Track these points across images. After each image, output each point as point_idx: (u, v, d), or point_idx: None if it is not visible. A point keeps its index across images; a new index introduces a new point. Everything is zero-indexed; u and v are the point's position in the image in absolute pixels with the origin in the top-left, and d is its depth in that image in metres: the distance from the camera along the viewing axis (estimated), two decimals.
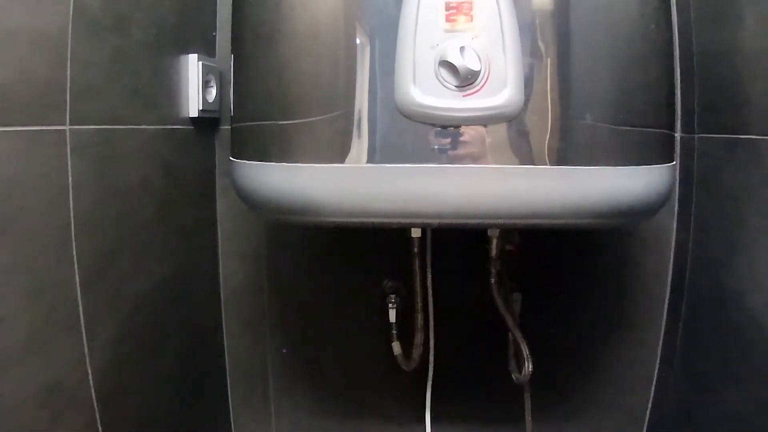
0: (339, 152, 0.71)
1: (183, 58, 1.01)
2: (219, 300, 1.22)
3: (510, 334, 1.08)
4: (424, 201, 0.71)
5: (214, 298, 1.20)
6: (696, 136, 1.04)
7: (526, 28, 0.68)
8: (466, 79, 0.66)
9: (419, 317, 1.12)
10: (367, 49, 0.70)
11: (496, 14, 0.67)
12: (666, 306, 1.13)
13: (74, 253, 0.75)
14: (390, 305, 1.12)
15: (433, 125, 0.69)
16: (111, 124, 0.82)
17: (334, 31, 0.72)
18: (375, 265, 1.17)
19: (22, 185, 0.66)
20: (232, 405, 1.26)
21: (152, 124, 0.92)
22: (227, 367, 1.25)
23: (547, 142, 0.70)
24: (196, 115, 1.03)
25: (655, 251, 1.12)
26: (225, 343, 1.24)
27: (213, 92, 1.08)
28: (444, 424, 1.21)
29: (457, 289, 1.15)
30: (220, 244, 1.20)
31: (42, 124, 0.68)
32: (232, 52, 0.83)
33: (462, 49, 0.66)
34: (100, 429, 0.80)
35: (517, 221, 0.75)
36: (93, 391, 0.78)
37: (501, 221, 0.78)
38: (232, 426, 1.26)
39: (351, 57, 0.70)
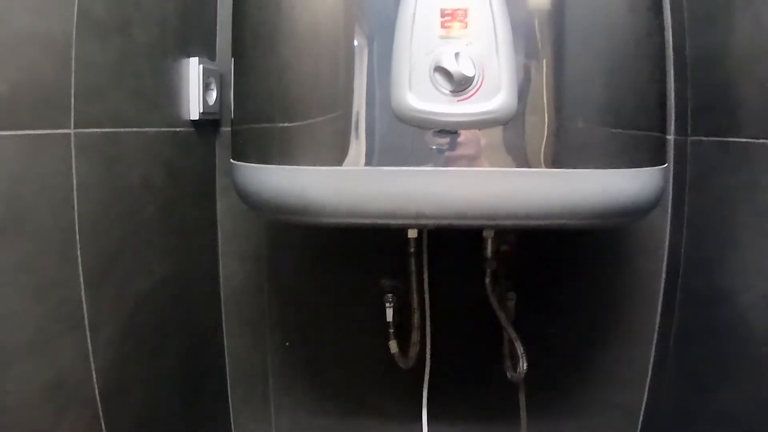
0: (338, 155, 0.72)
1: (184, 61, 1.02)
2: (219, 299, 1.22)
3: (505, 333, 1.09)
4: (421, 203, 0.72)
5: (214, 298, 1.21)
6: (689, 138, 1.05)
7: (520, 35, 0.69)
8: (460, 85, 0.68)
9: (416, 316, 1.13)
10: (365, 55, 0.71)
11: (490, 21, 0.68)
12: (660, 305, 1.14)
13: (78, 253, 0.75)
14: (387, 305, 1.13)
15: (429, 129, 0.70)
16: (114, 127, 0.82)
17: (333, 36, 0.73)
18: (373, 265, 1.18)
19: (28, 186, 0.67)
20: (231, 403, 1.26)
21: (154, 127, 0.93)
22: (227, 366, 1.25)
23: (540, 145, 0.71)
24: (197, 118, 1.04)
25: (649, 251, 1.13)
26: (225, 343, 1.24)
27: (213, 95, 1.08)
28: (441, 422, 1.21)
29: (454, 288, 1.16)
30: (220, 243, 1.21)
31: (47, 128, 0.69)
32: (233, 55, 0.84)
33: (457, 55, 0.67)
34: (103, 426, 0.80)
35: (512, 222, 0.76)
36: (96, 388, 0.79)
37: (496, 222, 0.78)
38: (232, 424, 1.27)
39: (349, 62, 0.71)
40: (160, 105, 0.95)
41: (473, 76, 0.67)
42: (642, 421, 1.19)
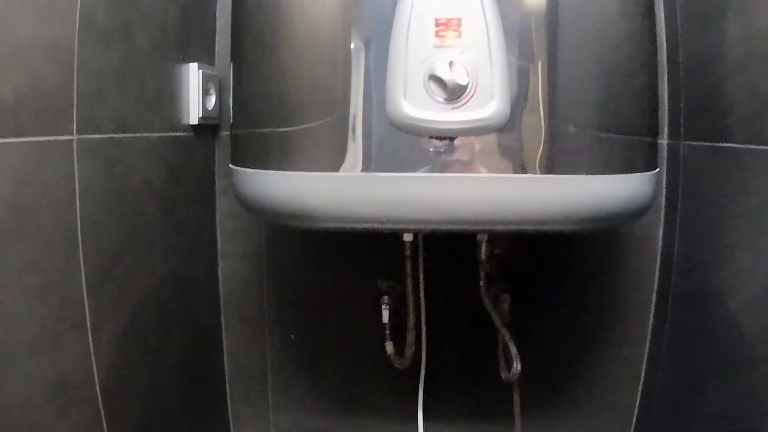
0: (334, 161, 0.73)
1: (184, 66, 1.02)
2: (218, 299, 1.23)
3: (499, 334, 1.10)
4: (416, 208, 0.73)
5: (214, 298, 1.22)
6: (682, 143, 1.05)
7: (513, 43, 0.70)
8: (454, 93, 0.69)
9: (411, 317, 1.13)
10: (362, 63, 0.72)
11: (484, 30, 0.69)
12: (653, 306, 1.15)
13: (80, 254, 0.76)
14: (383, 306, 1.13)
15: (424, 136, 0.71)
16: (116, 133, 0.83)
17: (330, 44, 0.75)
18: (370, 267, 1.18)
19: (31, 191, 0.67)
20: (230, 402, 1.27)
21: (155, 131, 0.94)
22: (226, 365, 1.25)
23: (533, 151, 0.72)
24: (197, 122, 1.04)
25: (643, 253, 1.14)
26: (224, 342, 1.25)
27: (212, 99, 1.09)
28: (437, 421, 1.22)
29: (449, 290, 1.16)
30: (219, 244, 1.22)
31: (50, 134, 0.70)
32: (232, 60, 0.85)
33: (451, 63, 0.68)
34: (104, 424, 0.81)
35: (505, 227, 0.77)
36: (97, 387, 0.79)
37: (490, 227, 0.80)
38: (231, 423, 1.27)
39: (346, 70, 0.72)
40: (160, 110, 0.96)
41: (467, 85, 0.69)
42: (636, 420, 1.19)
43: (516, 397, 1.17)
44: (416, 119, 0.70)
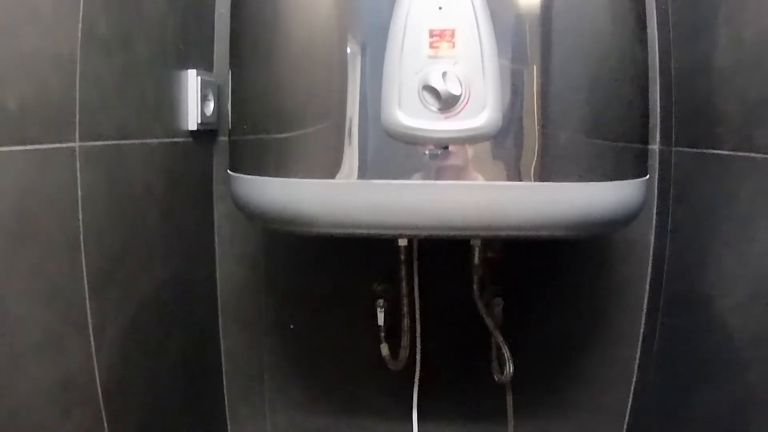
0: (331, 168, 0.74)
1: (183, 73, 1.03)
2: (216, 301, 1.23)
3: (492, 337, 1.10)
4: (411, 214, 0.74)
5: (212, 300, 1.22)
6: (673, 149, 1.06)
7: (505, 54, 0.71)
8: (447, 103, 0.70)
9: (406, 320, 1.14)
10: (357, 73, 0.73)
11: (477, 41, 0.70)
12: (644, 310, 1.16)
13: (83, 258, 0.77)
14: (378, 308, 1.14)
15: (418, 144, 0.72)
16: (117, 140, 0.84)
17: (326, 53, 0.76)
18: (366, 270, 1.19)
19: (36, 198, 0.68)
20: (228, 402, 1.28)
21: (155, 138, 0.95)
22: (224, 366, 1.26)
23: (525, 159, 0.73)
24: (195, 128, 1.05)
25: (635, 258, 1.15)
26: (222, 343, 1.25)
27: (211, 105, 1.09)
28: (431, 422, 1.22)
29: (443, 293, 1.17)
30: (217, 247, 1.22)
31: (54, 142, 0.71)
32: (230, 67, 0.86)
33: (444, 74, 0.69)
34: (105, 424, 0.81)
35: (498, 233, 0.78)
36: (99, 388, 0.80)
37: (483, 233, 0.81)
38: (228, 423, 1.28)
39: (342, 80, 0.74)
40: (160, 116, 0.97)
41: (460, 95, 0.70)
42: (627, 422, 1.20)
43: (509, 398, 1.18)
44: (411, 128, 0.71)
